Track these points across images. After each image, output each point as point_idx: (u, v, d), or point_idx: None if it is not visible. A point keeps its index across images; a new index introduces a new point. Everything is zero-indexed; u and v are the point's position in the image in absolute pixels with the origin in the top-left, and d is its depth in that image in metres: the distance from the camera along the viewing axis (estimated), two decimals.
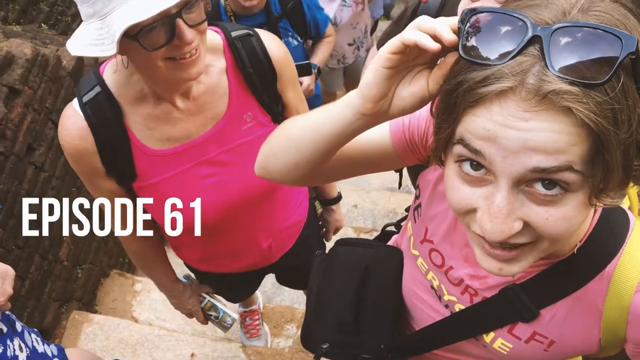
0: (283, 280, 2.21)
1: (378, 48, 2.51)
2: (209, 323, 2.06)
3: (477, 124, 0.65)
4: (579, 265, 0.83)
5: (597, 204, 0.68)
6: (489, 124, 0.63)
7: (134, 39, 1.12)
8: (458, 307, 1.00)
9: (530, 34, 0.61)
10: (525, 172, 0.64)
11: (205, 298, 1.97)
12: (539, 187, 0.65)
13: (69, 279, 2.87)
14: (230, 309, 2.03)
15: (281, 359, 2.65)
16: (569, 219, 0.67)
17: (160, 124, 1.37)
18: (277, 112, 1.49)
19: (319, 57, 3.00)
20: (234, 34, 1.39)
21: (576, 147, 0.61)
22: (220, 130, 1.41)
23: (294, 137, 0.93)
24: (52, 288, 2.74)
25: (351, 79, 4.39)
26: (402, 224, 1.31)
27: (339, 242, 1.31)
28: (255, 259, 1.74)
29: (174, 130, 1.38)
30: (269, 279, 2.34)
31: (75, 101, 1.33)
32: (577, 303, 0.86)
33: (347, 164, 1.00)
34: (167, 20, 1.13)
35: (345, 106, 0.81)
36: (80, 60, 2.85)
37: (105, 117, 1.31)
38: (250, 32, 1.41)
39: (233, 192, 1.48)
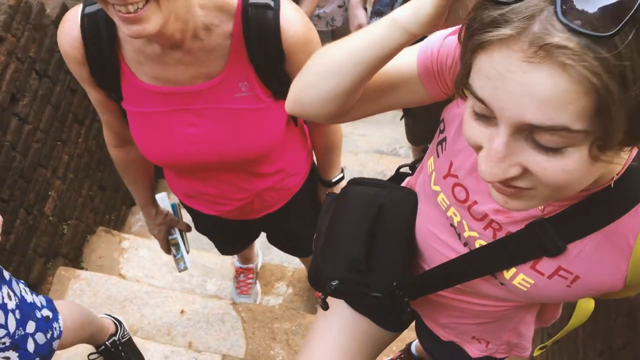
0: (273, 240, 2.20)
1: None
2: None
3: (480, 70, 0.63)
4: (612, 199, 0.80)
5: (603, 158, 0.65)
6: (491, 72, 0.62)
7: None
8: (479, 243, 0.98)
9: None
10: (522, 124, 0.62)
11: (175, 234, 1.99)
12: (539, 138, 0.63)
13: (54, 235, 2.81)
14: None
15: (272, 316, 2.65)
16: (569, 172, 0.65)
17: (149, 62, 1.32)
18: (281, 91, 1.39)
19: (304, 10, 2.93)
20: (251, 0, 1.27)
21: (573, 105, 0.58)
22: (211, 89, 1.36)
23: (334, 63, 0.92)
24: (38, 243, 2.68)
25: None
26: (416, 165, 1.28)
27: (352, 182, 1.27)
28: (229, 208, 1.71)
29: (163, 72, 1.33)
30: (259, 238, 2.32)
31: (79, 7, 1.30)
32: (607, 238, 0.84)
33: (375, 96, 0.98)
34: None
35: (390, 29, 0.81)
36: (64, 8, 2.74)
37: (99, 35, 1.28)
38: (271, 3, 1.27)
39: (208, 148, 1.45)
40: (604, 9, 0.54)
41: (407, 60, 0.95)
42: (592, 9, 0.55)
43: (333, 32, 4.23)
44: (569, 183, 0.67)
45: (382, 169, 4.07)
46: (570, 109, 0.58)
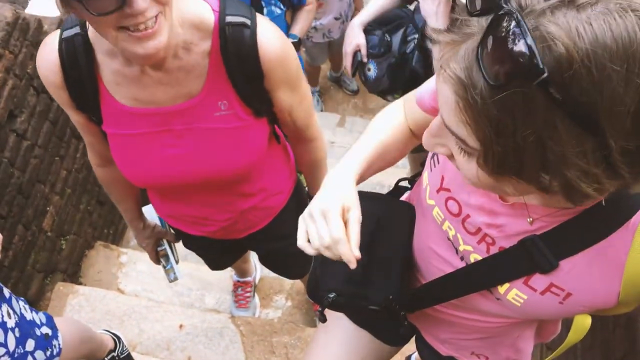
0: (263, 260, 2.19)
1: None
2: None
3: None
4: (603, 216, 0.81)
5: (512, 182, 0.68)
6: (437, 65, 0.67)
7: (79, 0, 1.02)
8: (474, 257, 0.99)
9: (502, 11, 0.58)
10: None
11: (163, 245, 2.01)
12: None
13: (53, 250, 2.81)
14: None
15: (271, 329, 2.64)
16: (472, 175, 0.71)
17: (128, 83, 1.32)
18: (261, 109, 1.41)
19: (299, 27, 2.92)
20: (228, 18, 1.26)
21: (464, 125, 0.63)
22: (191, 109, 1.35)
23: None
24: (36, 259, 2.68)
25: (336, 53, 4.35)
26: (415, 179, 1.29)
27: None
28: (214, 228, 1.71)
29: (142, 93, 1.33)
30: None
31: (57, 32, 1.30)
32: (599, 255, 0.84)
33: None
34: None
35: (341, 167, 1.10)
36: (62, 24, 2.75)
37: (77, 60, 1.27)
38: (248, 22, 1.27)
39: (189, 169, 1.44)
40: (510, 62, 0.56)
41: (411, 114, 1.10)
42: (501, 58, 0.56)
43: (330, 43, 4.25)
44: (479, 186, 0.73)
45: (380, 179, 4.07)
46: (462, 126, 0.63)
